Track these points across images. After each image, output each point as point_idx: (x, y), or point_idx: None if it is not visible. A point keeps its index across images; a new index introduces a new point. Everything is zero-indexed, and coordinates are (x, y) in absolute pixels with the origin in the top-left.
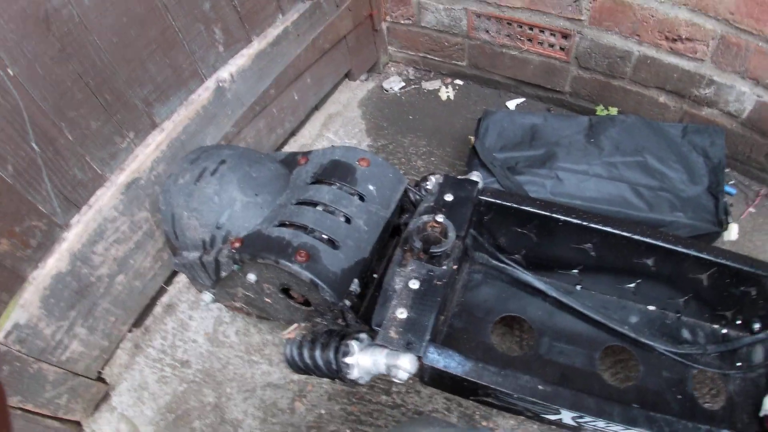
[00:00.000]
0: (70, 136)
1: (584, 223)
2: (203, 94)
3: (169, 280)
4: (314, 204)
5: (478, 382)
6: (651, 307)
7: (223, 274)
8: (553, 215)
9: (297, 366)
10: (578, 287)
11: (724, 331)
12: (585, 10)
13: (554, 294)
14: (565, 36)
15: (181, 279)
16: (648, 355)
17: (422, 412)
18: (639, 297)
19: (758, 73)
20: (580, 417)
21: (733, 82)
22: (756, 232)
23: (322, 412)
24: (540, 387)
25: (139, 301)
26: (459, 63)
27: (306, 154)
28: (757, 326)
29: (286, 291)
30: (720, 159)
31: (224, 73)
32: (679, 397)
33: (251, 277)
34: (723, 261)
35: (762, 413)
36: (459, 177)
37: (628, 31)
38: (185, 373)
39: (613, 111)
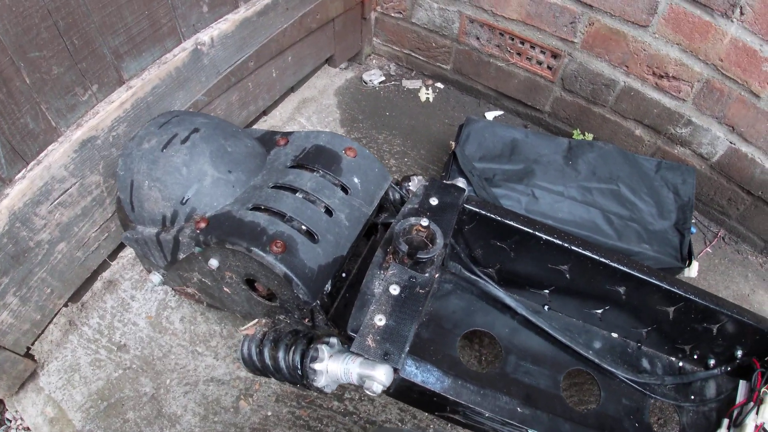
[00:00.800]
0: (27, 79)
1: (565, 245)
2: (179, 54)
3: (113, 254)
4: (294, 190)
5: (456, 400)
6: (614, 335)
7: (181, 255)
8: (536, 233)
9: (254, 365)
10: (546, 307)
11: (681, 364)
12: (580, 33)
13: (523, 312)
14: (555, 55)
15: (127, 254)
16: (609, 382)
17: (375, 422)
18: (604, 323)
19: (735, 121)
20: None
21: (709, 125)
22: (711, 271)
23: (269, 414)
24: (519, 410)
25: (79, 274)
26: (443, 66)
27: (286, 135)
28: (711, 362)
29: (250, 282)
30: (689, 197)
31: (204, 35)
32: (637, 425)
33: (213, 262)
34: (692, 297)
35: None
36: (445, 182)
37: (618, 60)
38: (122, 358)
39: (589, 137)
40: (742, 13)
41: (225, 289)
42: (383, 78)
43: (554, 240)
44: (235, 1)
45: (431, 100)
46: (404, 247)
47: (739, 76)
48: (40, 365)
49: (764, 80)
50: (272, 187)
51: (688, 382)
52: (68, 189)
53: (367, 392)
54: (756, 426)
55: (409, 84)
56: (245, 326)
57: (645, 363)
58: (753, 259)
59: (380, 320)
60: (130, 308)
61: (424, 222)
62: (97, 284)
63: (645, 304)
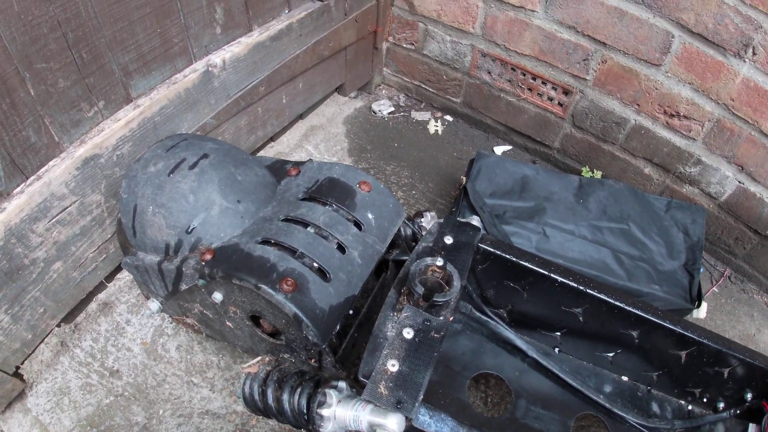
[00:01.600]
0: (32, 91)
1: (580, 287)
2: (189, 75)
3: (110, 276)
4: (305, 224)
5: None
6: (624, 378)
7: (183, 287)
8: (551, 275)
9: (255, 405)
10: (556, 350)
11: (690, 407)
12: (592, 70)
13: (534, 355)
14: (566, 92)
15: (125, 276)
16: (619, 427)
17: None
18: (614, 366)
19: (744, 161)
20: None
21: (719, 165)
22: (717, 311)
23: None
24: None
25: (74, 295)
26: (453, 99)
27: (298, 165)
28: (721, 405)
29: (255, 318)
30: (699, 238)
31: (216, 57)
32: None
33: (217, 296)
34: (705, 341)
35: None
36: (459, 220)
37: (630, 99)
38: (114, 385)
39: (598, 174)
40: (754, 54)
41: (227, 323)
42: (392, 108)
43: (569, 282)
44: (248, 24)
45: (440, 132)
46: (420, 289)
47: (750, 116)
48: (29, 386)
49: None
50: (283, 220)
51: (697, 425)
52: (68, 207)
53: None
54: None
55: (418, 115)
56: (248, 363)
57: (655, 407)
58: (759, 299)
59: (393, 366)
60: (124, 333)
61: (440, 262)
62: (92, 306)
63: (657, 347)
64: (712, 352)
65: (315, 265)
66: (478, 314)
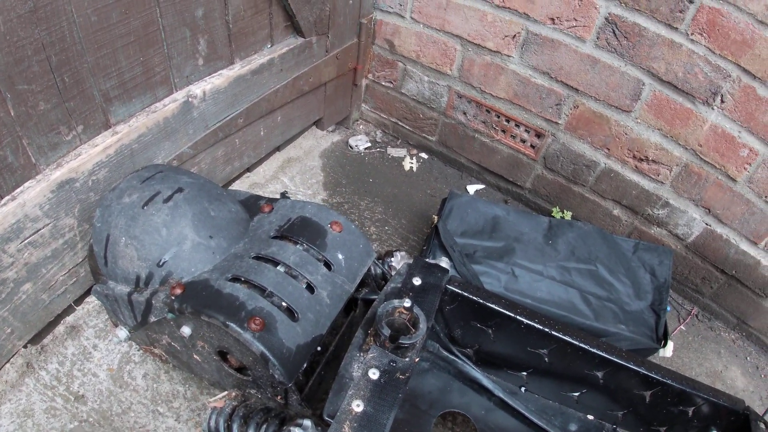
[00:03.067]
0: (12, 111)
1: (545, 329)
2: (169, 105)
3: (79, 300)
4: (276, 263)
5: None
6: (590, 417)
7: (152, 318)
8: (517, 317)
9: None
10: (522, 389)
11: None
12: (564, 114)
13: (500, 394)
14: (539, 135)
15: (93, 300)
16: None
17: None
18: (580, 405)
19: (711, 203)
20: None
21: (686, 207)
22: (684, 349)
23: None
24: None
25: (42, 317)
26: (429, 137)
27: (271, 202)
28: None
29: (222, 354)
30: (666, 278)
31: (197, 89)
32: None
33: (185, 330)
34: (669, 381)
35: None
36: (428, 261)
37: (600, 143)
38: (78, 410)
39: (568, 215)
40: (722, 101)
41: (195, 356)
42: (369, 144)
43: (535, 324)
44: (230, 57)
45: (415, 169)
46: (386, 331)
47: (717, 161)
48: None
49: (741, 165)
50: (254, 258)
51: None
52: (40, 229)
53: None
54: None
55: (394, 152)
56: (214, 398)
57: None
58: (726, 336)
59: (358, 406)
60: (91, 357)
61: (407, 303)
62: (60, 328)
63: (622, 387)
64: (676, 391)
65: (284, 304)
66: (445, 353)
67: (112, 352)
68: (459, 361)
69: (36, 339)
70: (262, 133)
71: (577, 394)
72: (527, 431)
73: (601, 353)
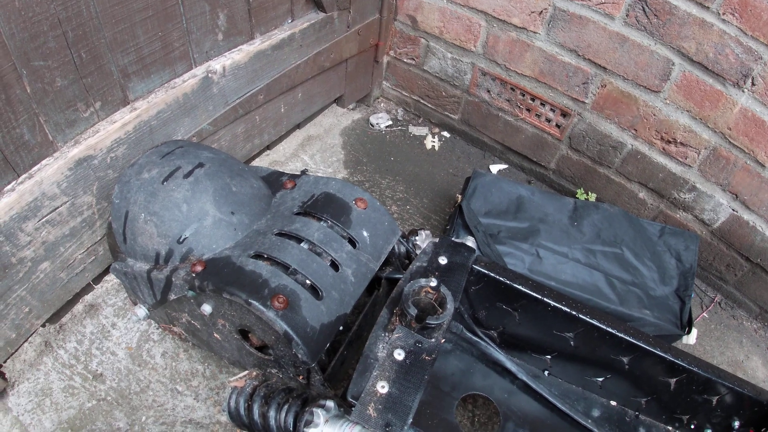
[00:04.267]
0: (28, 88)
1: (572, 312)
2: (188, 80)
3: (98, 278)
4: (299, 239)
5: None
6: (613, 403)
7: (172, 296)
8: (544, 299)
9: (240, 420)
10: (546, 373)
11: None
12: (591, 94)
13: (524, 377)
14: (564, 114)
15: (112, 279)
16: None
17: None
18: (604, 391)
19: (739, 189)
20: None
21: (713, 192)
22: (707, 337)
23: None
24: None
25: (61, 296)
26: (451, 116)
27: (294, 178)
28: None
29: (243, 332)
30: (691, 264)
31: (217, 64)
32: None
33: (206, 308)
34: (695, 369)
35: None
36: (454, 240)
37: (627, 123)
38: (97, 389)
39: (592, 197)
40: (753, 84)
41: (215, 335)
42: (390, 122)
43: (562, 307)
44: (251, 31)
45: (437, 148)
46: (413, 311)
47: (746, 146)
48: (11, 385)
49: None
50: (277, 234)
51: None
52: (58, 207)
53: None
54: None
55: (415, 130)
56: (234, 377)
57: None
58: (748, 325)
59: (383, 387)
60: (110, 336)
61: (434, 283)
62: (78, 307)
63: (647, 373)
64: (702, 380)
65: (307, 282)
66: (469, 335)
67: (130, 330)
68: (483, 343)
69: (54, 318)
70: (282, 109)
71: (601, 379)
72: (550, 415)
73: (628, 338)
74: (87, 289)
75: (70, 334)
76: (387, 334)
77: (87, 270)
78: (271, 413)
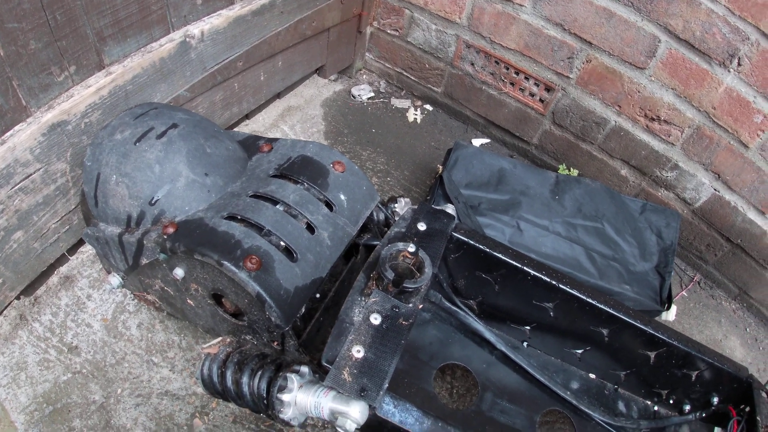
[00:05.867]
0: (1, 51)
1: (552, 282)
2: (165, 45)
3: (73, 249)
4: (275, 201)
5: None
6: (592, 375)
7: (144, 261)
8: (524, 268)
9: (214, 388)
10: (525, 344)
11: (656, 408)
12: (576, 69)
13: (502, 348)
14: (548, 89)
15: (88, 249)
16: (585, 424)
17: None
18: (583, 363)
19: (721, 169)
20: None
21: (695, 171)
22: (686, 315)
23: None
24: None
25: (35, 267)
26: (434, 88)
27: (271, 141)
28: (687, 407)
29: (217, 297)
30: (672, 241)
31: (195, 29)
32: None
33: (178, 272)
34: (675, 342)
35: None
36: (434, 207)
37: (611, 99)
38: (72, 361)
39: (574, 172)
40: (739, 64)
41: (189, 301)
42: (372, 94)
43: (542, 276)
44: None
45: (419, 121)
46: (390, 275)
47: (730, 125)
48: None
49: (755, 131)
50: (251, 196)
51: (662, 426)
52: (31, 174)
53: (339, 429)
54: None
55: (398, 103)
56: (208, 344)
57: (621, 406)
58: (727, 305)
59: (358, 352)
60: (85, 308)
61: (412, 248)
62: (53, 279)
63: (626, 346)
64: (682, 354)
65: (282, 243)
66: (447, 304)
67: (106, 302)
68: (461, 313)
69: (29, 290)
70: (262, 77)
71: (580, 351)
72: (528, 387)
73: (608, 310)
74: (62, 260)
75: (45, 306)
76: (363, 298)
77: (61, 240)
78: (244, 380)
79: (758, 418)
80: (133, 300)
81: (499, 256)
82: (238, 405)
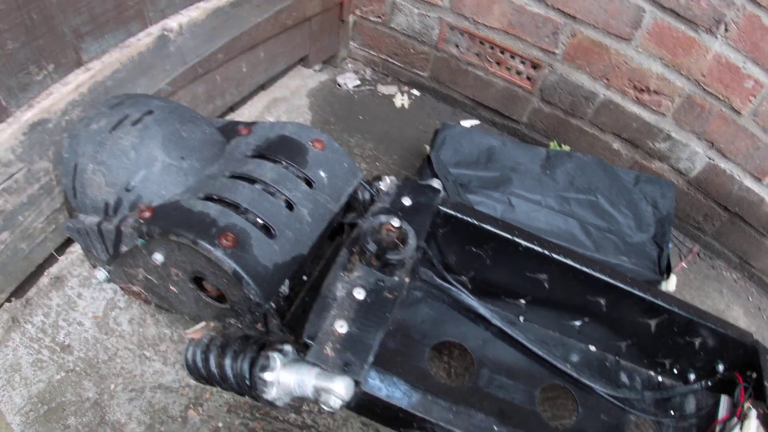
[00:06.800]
0: None
1: (545, 252)
2: (144, 39)
3: (61, 249)
4: (252, 180)
5: (425, 417)
6: (592, 348)
7: (124, 248)
8: (515, 239)
9: (198, 373)
10: (521, 318)
11: (660, 378)
12: (561, 44)
13: (498, 323)
14: (535, 66)
15: (76, 249)
16: (587, 397)
17: None
18: (582, 336)
19: (714, 137)
20: None
21: (688, 141)
22: (686, 287)
23: (220, 425)
24: (495, 428)
25: (23, 268)
26: (420, 73)
27: (250, 125)
28: (692, 377)
29: (198, 281)
30: (668, 211)
31: (173, 22)
32: None
33: (157, 257)
34: (676, 309)
35: None
36: (420, 182)
37: (599, 73)
38: (65, 360)
39: (566, 149)
40: (726, 30)
41: (172, 288)
42: (358, 82)
43: (534, 247)
44: None
45: (406, 106)
46: (373, 247)
47: (720, 93)
48: None
49: (746, 97)
50: (229, 177)
51: (667, 396)
52: (14, 174)
53: (324, 407)
54: None
55: (384, 89)
56: (191, 329)
57: (624, 377)
58: (727, 275)
59: (341, 327)
60: (76, 307)
61: (395, 221)
62: (44, 280)
63: (626, 316)
64: (683, 321)
65: (259, 221)
66: (439, 281)
67: (97, 299)
68: (454, 290)
69: (20, 292)
70: (244, 69)
71: (578, 323)
72: (526, 362)
73: (604, 278)
74: (51, 261)
75: (36, 307)
76: (346, 274)
77: (48, 239)
78: (227, 362)
79: (766, 383)
80: (123, 296)
81: (489, 228)
82: (224, 389)
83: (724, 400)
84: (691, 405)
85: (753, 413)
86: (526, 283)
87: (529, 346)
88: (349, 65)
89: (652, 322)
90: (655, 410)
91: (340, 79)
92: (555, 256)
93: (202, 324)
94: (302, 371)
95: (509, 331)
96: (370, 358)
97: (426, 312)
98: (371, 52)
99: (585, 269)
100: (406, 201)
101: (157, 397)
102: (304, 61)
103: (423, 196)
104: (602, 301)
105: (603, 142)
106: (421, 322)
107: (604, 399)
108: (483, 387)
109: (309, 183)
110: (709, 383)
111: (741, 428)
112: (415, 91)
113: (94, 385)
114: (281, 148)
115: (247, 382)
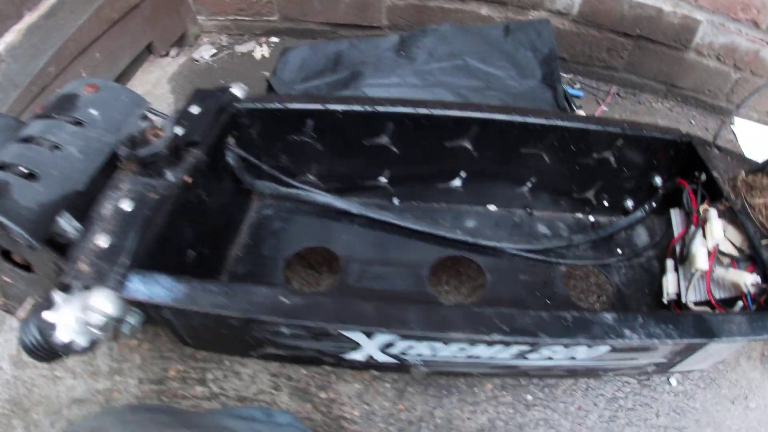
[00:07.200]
0: None
1: (374, 109)
2: None
3: None
4: (23, 141)
5: (196, 310)
6: (491, 207)
7: None
8: (327, 107)
9: (37, 355)
10: (396, 201)
11: (592, 218)
12: None
13: (362, 212)
14: None
15: None
16: (496, 262)
17: (246, 398)
18: (470, 196)
19: None
20: (393, 345)
21: None
22: None
23: None
24: (285, 300)
25: None
26: (271, 18)
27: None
28: (630, 204)
29: (6, 255)
30: (550, 49)
31: None
32: (548, 301)
33: None
34: (561, 123)
35: (666, 299)
36: (211, 89)
37: None
38: None
39: None
40: None
41: (4, 278)
42: (215, 51)
43: (355, 108)
44: (19, 12)
45: (267, 55)
46: (124, 151)
47: None
48: None
49: None
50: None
51: (608, 234)
52: None
53: (93, 330)
54: (710, 252)
55: (242, 48)
56: (20, 308)
57: (543, 228)
58: (659, 106)
59: (103, 241)
60: None
61: (144, 123)
62: None
63: (506, 155)
64: (577, 135)
65: (23, 170)
66: (284, 190)
67: (9, 340)
68: (302, 192)
69: None
70: (83, 74)
71: (457, 183)
72: (408, 243)
73: (460, 114)
74: None
75: None
76: (114, 191)
77: None
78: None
79: (714, 174)
80: None
81: (296, 106)
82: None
83: (675, 214)
84: (642, 237)
85: (712, 213)
86: (374, 154)
87: (403, 224)
88: (205, 39)
89: (542, 151)
90: (596, 254)
91: (195, 55)
92: (381, 109)
93: (29, 300)
94: (77, 299)
95: (376, 216)
96: (126, 261)
97: (280, 226)
98: (219, 18)
99: (428, 112)
100: (194, 110)
101: (73, 412)
102: (151, 49)
103: (212, 99)
104: (467, 145)
105: (469, 12)
106: (275, 238)
107: (519, 258)
108: (354, 283)
109: (79, 123)
110: (654, 204)
111: (704, 235)
112: (273, 38)
113: (21, 420)
114: (54, 106)
115: (38, 335)
